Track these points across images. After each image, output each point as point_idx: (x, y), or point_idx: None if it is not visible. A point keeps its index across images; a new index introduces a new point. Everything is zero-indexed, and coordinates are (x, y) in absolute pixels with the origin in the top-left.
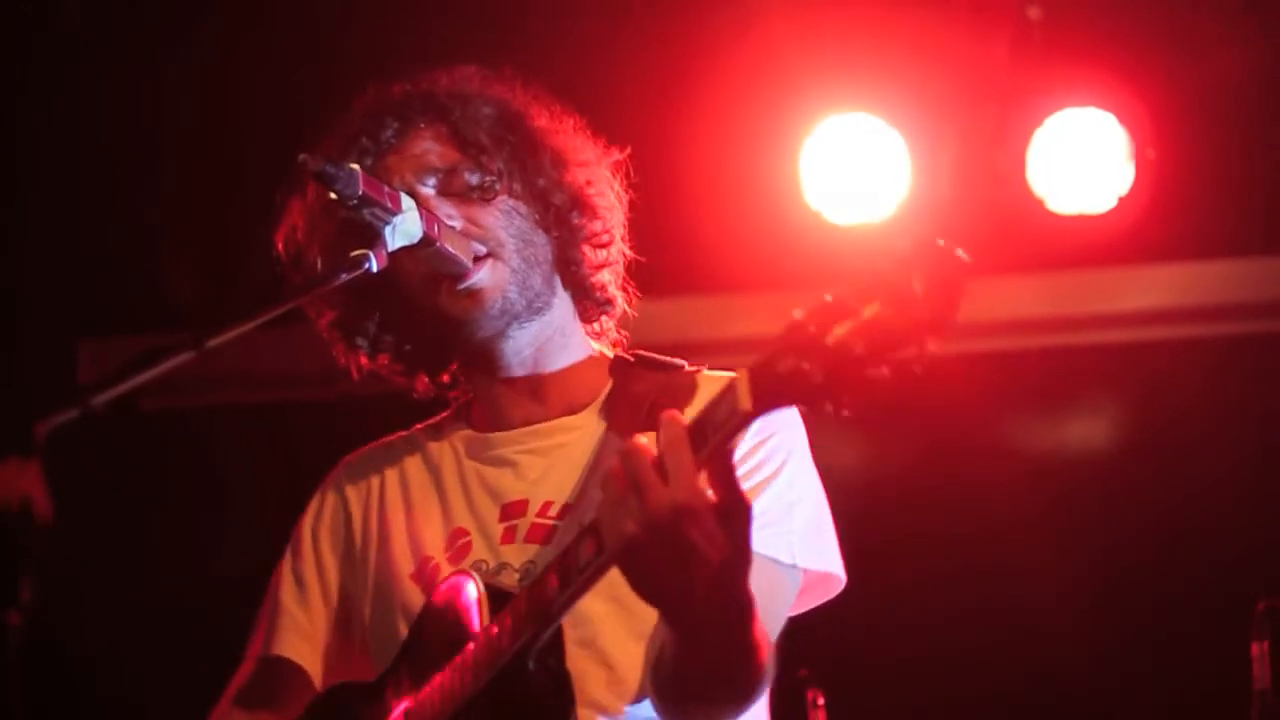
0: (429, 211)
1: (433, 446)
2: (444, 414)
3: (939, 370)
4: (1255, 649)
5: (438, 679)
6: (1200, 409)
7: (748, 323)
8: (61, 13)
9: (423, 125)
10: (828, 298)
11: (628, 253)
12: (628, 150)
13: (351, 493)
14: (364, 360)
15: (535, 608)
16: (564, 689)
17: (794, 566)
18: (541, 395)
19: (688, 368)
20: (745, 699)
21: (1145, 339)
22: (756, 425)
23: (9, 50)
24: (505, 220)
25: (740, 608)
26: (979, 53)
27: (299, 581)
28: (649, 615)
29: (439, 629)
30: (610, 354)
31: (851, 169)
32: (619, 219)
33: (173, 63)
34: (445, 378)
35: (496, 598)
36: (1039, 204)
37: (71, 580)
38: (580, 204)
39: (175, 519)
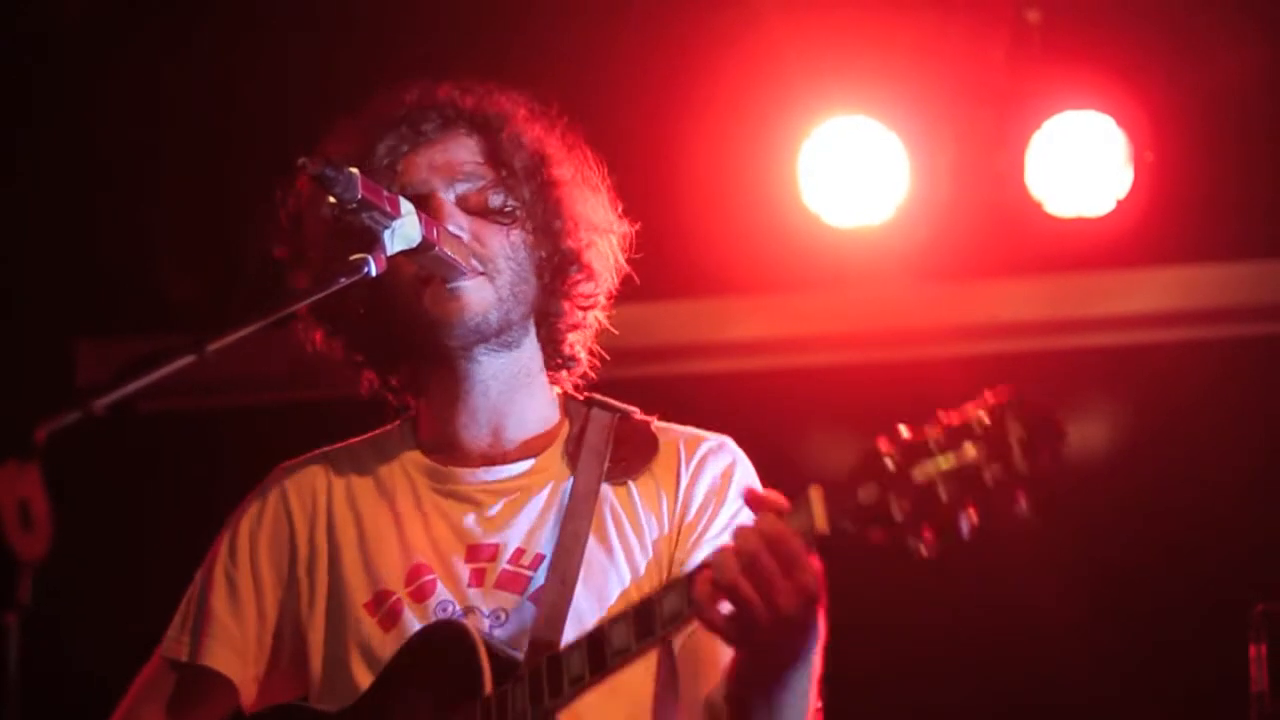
0: (428, 216)
1: (381, 468)
2: (384, 429)
3: (935, 372)
4: (1253, 651)
5: None
6: (1199, 412)
7: (746, 325)
8: (61, 14)
9: (463, 132)
10: (905, 431)
11: (603, 322)
12: (638, 225)
13: (295, 504)
14: (318, 337)
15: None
16: None
17: None
18: (500, 433)
19: (638, 415)
20: None
21: (1144, 342)
22: (733, 488)
23: (8, 51)
24: (510, 249)
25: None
26: (977, 55)
27: (232, 589)
28: (638, 697)
29: (423, 679)
30: (560, 391)
31: (850, 172)
32: (608, 289)
33: (170, 64)
34: (395, 380)
35: (501, 661)
36: (1037, 207)
37: (69, 582)
38: (580, 263)
39: (174, 521)
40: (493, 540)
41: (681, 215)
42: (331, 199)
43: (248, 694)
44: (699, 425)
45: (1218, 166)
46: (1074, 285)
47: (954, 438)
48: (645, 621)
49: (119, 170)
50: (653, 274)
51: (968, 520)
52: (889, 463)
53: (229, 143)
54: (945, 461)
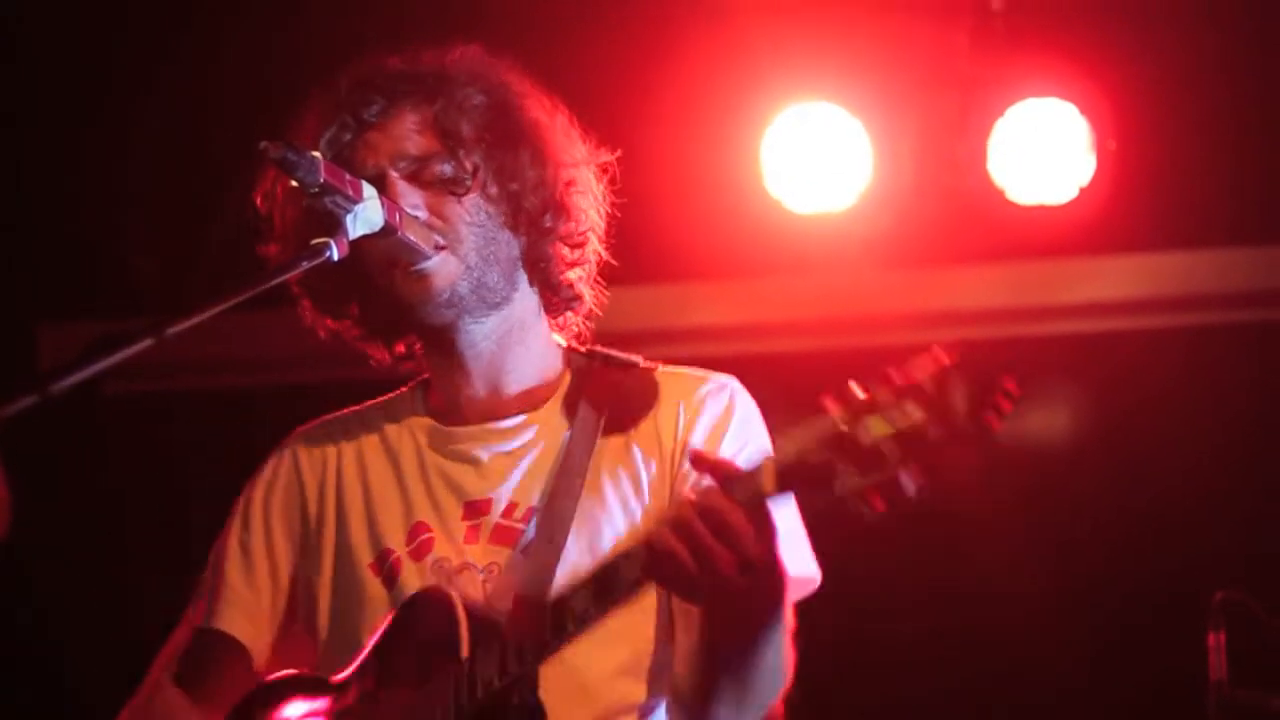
0: (390, 200)
1: (390, 430)
2: (398, 391)
3: (897, 359)
4: (1212, 639)
5: (404, 699)
6: (1161, 400)
7: (709, 311)
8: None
9: (408, 108)
10: (859, 391)
11: (602, 253)
12: (618, 153)
13: (307, 468)
14: (330, 321)
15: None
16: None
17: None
18: (500, 389)
19: (643, 364)
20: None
21: (1106, 330)
22: (732, 428)
23: None
24: (470, 215)
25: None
26: (941, 42)
27: (246, 554)
28: (637, 641)
29: (410, 645)
30: (564, 344)
31: (813, 158)
32: (596, 220)
33: (137, 47)
34: (400, 348)
35: (481, 626)
36: (999, 194)
37: (31, 567)
38: (555, 206)
39: (137, 503)
40: (487, 495)
41: (645, 200)
42: (293, 183)
43: (261, 658)
44: None
45: (1180, 154)
46: (1036, 273)
47: (899, 398)
48: (605, 587)
49: (83, 154)
50: (615, 259)
51: (911, 480)
52: (836, 424)
53: (195, 127)
54: (891, 422)
